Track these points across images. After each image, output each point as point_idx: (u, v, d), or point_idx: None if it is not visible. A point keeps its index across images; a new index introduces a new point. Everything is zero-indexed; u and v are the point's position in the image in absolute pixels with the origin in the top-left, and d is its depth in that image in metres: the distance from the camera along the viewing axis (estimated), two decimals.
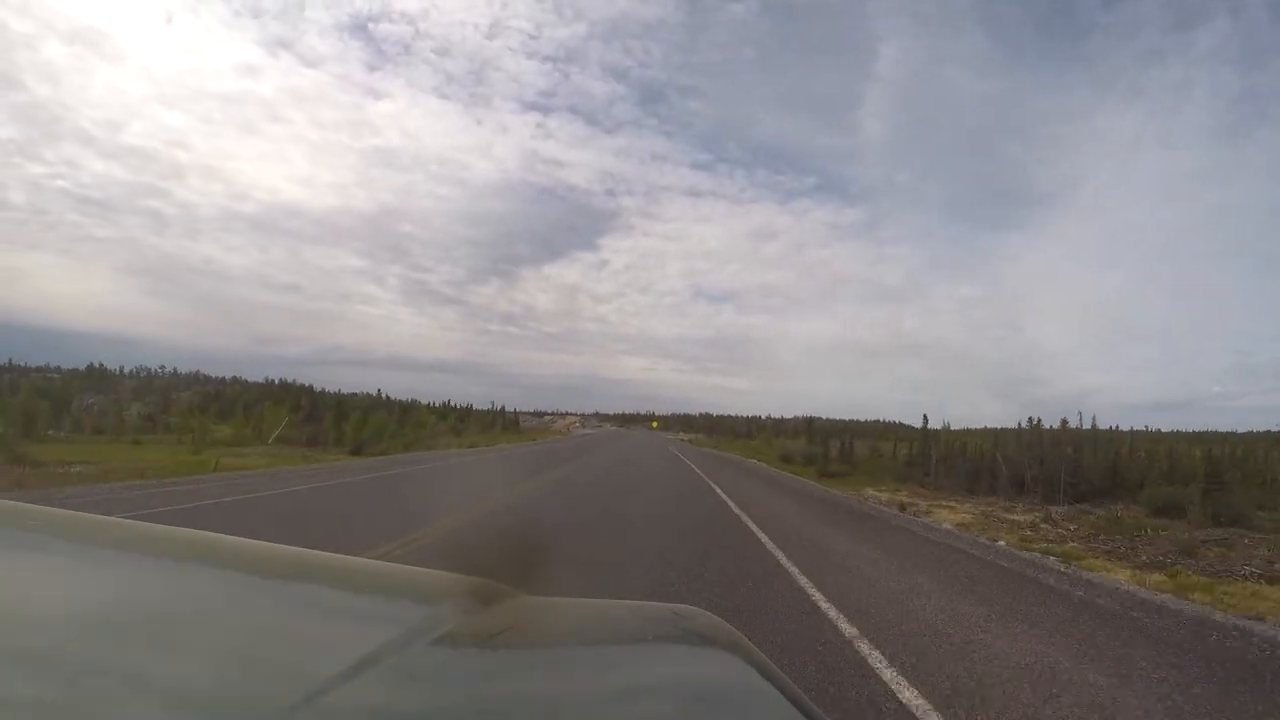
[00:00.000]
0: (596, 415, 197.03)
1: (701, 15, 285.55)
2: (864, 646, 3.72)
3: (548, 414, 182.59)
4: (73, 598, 0.61)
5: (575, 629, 0.75)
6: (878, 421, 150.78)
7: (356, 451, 26.48)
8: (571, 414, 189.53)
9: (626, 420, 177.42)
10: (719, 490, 13.67)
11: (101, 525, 0.88)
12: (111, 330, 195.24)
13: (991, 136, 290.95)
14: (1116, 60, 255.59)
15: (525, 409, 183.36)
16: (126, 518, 1.01)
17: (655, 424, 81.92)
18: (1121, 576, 6.86)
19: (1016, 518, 14.69)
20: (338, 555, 0.88)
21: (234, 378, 70.21)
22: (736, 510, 10.21)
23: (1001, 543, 8.88)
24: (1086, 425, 25.15)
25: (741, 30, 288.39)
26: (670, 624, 0.76)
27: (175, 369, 68.56)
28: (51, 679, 0.44)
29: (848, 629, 4.04)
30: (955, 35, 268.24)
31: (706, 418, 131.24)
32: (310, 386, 63.87)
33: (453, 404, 72.78)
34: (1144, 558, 9.28)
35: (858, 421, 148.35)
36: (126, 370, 66.37)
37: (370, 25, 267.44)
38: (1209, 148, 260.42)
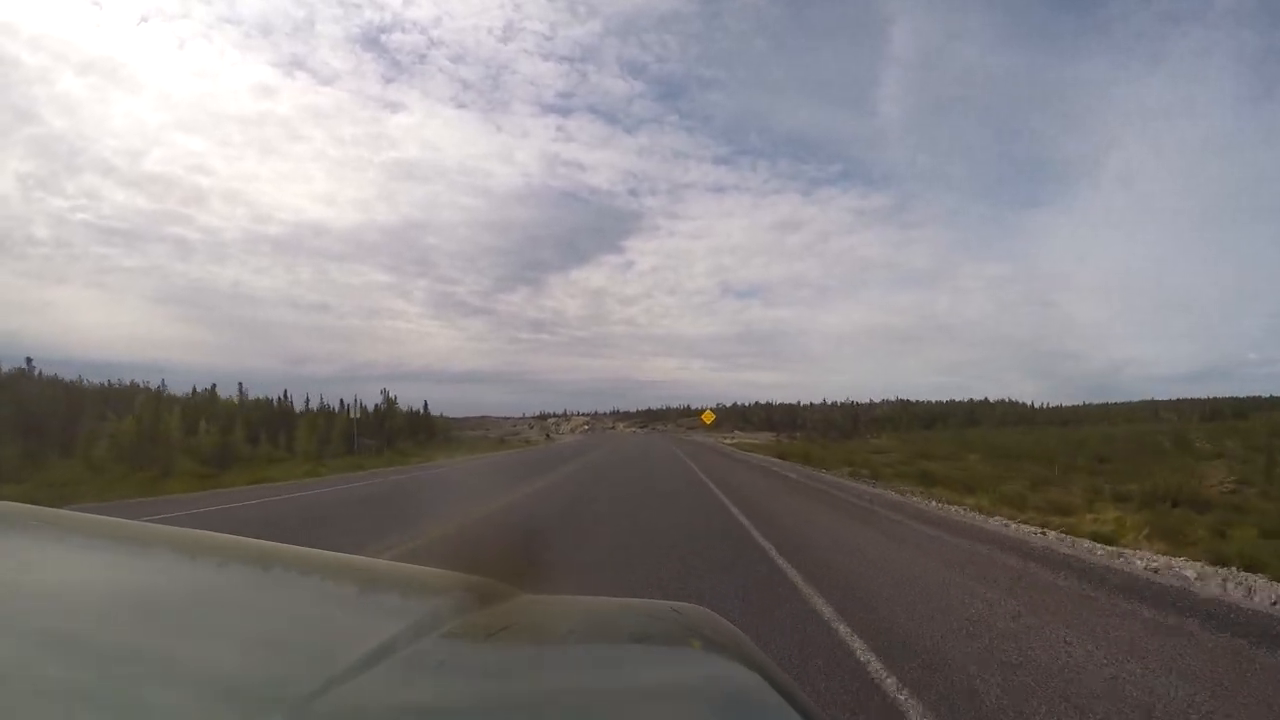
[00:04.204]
0: (613, 414, 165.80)
1: (715, 4, 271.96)
2: None
3: (551, 417, 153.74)
4: (87, 596, 0.62)
5: (575, 627, 0.75)
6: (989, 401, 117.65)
7: None
8: (580, 414, 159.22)
9: (652, 418, 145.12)
10: None
11: (107, 525, 0.89)
12: (145, 359, 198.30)
13: (1012, 112, 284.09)
14: (1134, 27, 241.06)
15: (552, 412, 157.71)
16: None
17: (710, 416, 49.68)
18: None
19: None
20: (335, 554, 0.88)
21: None
22: None
23: None
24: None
25: (755, 18, 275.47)
26: (670, 622, 0.76)
27: None
28: (83, 669, 0.46)
29: None
30: (966, 10, 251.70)
31: (765, 408, 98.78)
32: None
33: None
34: None
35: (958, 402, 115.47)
36: None
37: (383, 36, 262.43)
38: (1234, 110, 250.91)
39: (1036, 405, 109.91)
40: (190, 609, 0.62)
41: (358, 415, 26.29)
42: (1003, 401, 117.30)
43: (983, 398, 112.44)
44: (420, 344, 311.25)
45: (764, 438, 53.90)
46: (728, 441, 45.69)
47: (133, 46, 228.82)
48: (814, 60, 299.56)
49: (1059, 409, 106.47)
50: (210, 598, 0.68)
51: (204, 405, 37.59)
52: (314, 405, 44.24)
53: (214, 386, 38.77)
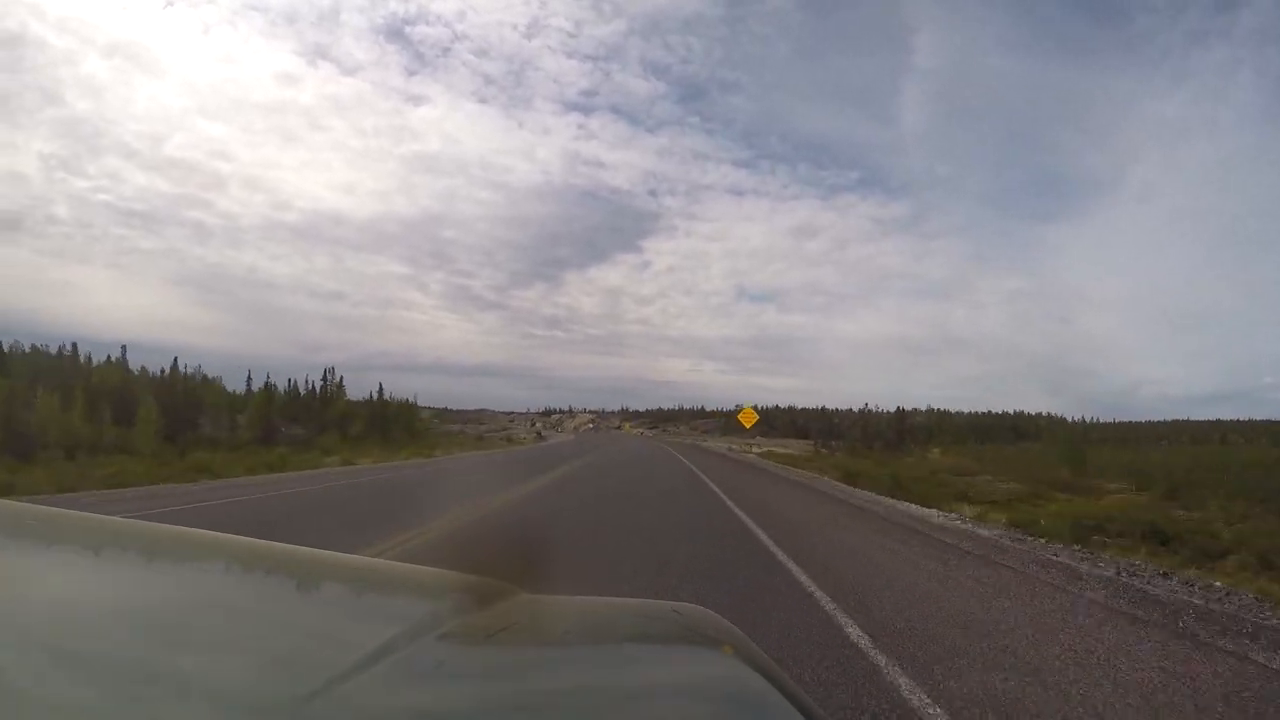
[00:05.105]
0: (622, 412, 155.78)
1: (740, 7, 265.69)
2: None
3: (556, 413, 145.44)
4: (88, 596, 0.62)
5: (575, 627, 0.75)
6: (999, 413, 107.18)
7: None
8: (588, 412, 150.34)
9: (663, 419, 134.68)
10: None
11: (104, 525, 0.88)
12: (162, 340, 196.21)
13: (1032, 125, 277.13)
14: (1160, 43, 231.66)
15: (558, 408, 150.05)
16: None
17: (751, 416, 39.56)
18: None
19: None
20: (334, 553, 0.87)
21: None
22: None
23: None
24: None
25: (778, 22, 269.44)
26: (671, 622, 0.76)
27: None
28: (76, 672, 0.46)
29: None
30: (990, 21, 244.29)
31: (788, 413, 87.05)
32: None
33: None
34: None
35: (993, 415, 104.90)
36: None
37: (407, 29, 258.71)
38: (1257, 128, 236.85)
39: (1072, 421, 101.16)
40: (187, 609, 0.61)
41: None
42: (1043, 415, 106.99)
43: (1001, 410, 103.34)
44: (434, 336, 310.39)
45: (795, 447, 44.28)
46: (755, 451, 36.24)
47: (158, 31, 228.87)
48: (836, 66, 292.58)
49: (1106, 426, 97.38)
50: (208, 598, 0.68)
51: (72, 373, 29.09)
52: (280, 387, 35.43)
53: (81, 353, 29.82)
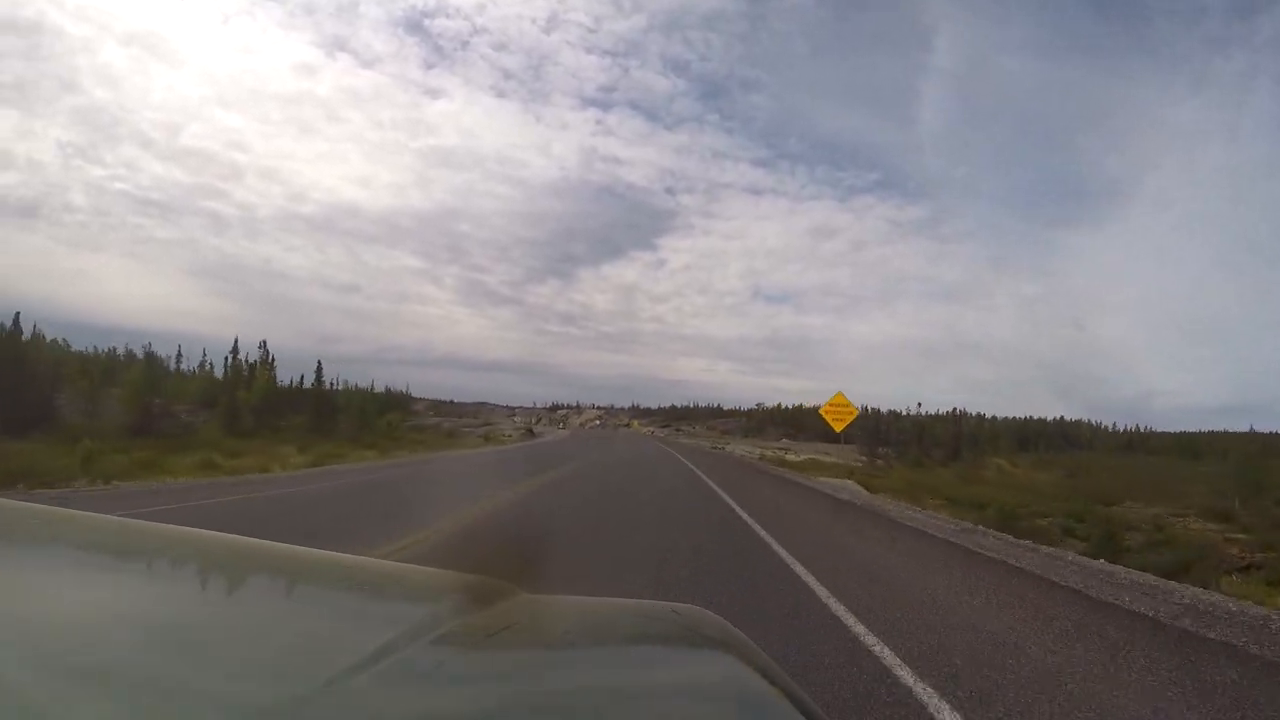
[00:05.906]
0: (633, 409, 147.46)
1: (761, 4, 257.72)
2: None
3: (563, 409, 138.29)
4: (88, 596, 0.62)
5: (575, 627, 0.74)
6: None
7: None
8: (596, 408, 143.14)
9: (676, 417, 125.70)
10: None
11: (105, 525, 0.88)
12: (177, 329, 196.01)
13: (1050, 129, 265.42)
14: (1179, 49, 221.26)
15: (566, 404, 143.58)
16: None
17: (845, 410, 29.91)
18: None
19: None
20: (334, 553, 0.88)
21: None
22: None
23: None
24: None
25: (799, 20, 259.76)
26: (670, 623, 0.76)
27: None
28: (75, 673, 0.45)
29: None
30: (1008, 22, 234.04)
31: (812, 412, 77.85)
32: None
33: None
34: None
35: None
36: None
37: (426, 21, 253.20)
38: (1275, 137, 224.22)
39: (1123, 430, 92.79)
40: (187, 609, 0.62)
41: None
42: (1084, 423, 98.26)
43: (1024, 416, 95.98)
44: (448, 330, 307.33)
45: (836, 453, 36.02)
46: (790, 458, 28.10)
47: (176, 20, 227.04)
48: (856, 66, 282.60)
49: (1146, 435, 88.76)
50: (208, 598, 0.68)
51: None
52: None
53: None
